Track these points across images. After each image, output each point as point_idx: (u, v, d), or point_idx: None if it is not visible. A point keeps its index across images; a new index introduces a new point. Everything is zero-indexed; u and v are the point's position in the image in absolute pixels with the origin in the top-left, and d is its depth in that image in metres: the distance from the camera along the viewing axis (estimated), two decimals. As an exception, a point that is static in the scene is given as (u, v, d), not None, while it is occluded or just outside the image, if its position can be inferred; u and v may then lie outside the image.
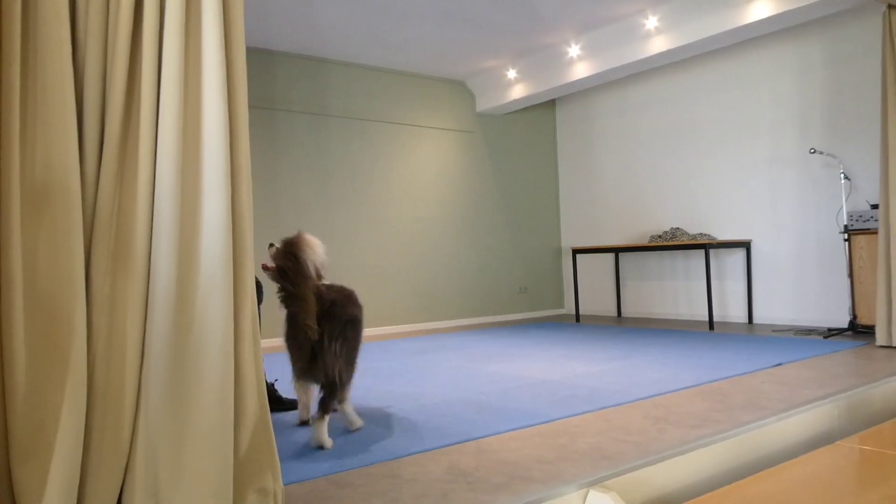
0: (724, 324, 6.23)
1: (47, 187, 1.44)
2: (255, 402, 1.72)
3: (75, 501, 1.41)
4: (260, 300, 3.12)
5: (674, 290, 6.91)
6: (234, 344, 1.66)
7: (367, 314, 6.67)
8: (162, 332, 1.50)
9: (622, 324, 6.62)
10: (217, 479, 1.51)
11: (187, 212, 1.58)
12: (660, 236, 6.63)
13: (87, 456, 1.44)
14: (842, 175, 5.25)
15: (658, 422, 2.70)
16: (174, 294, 1.52)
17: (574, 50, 6.28)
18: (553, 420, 2.80)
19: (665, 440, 2.43)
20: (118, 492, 1.48)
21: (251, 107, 6.04)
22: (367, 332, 6.61)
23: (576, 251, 7.12)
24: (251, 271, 1.74)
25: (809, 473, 2.30)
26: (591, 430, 2.61)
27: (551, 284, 8.12)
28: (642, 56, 5.82)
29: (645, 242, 6.83)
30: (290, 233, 6.15)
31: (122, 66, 1.54)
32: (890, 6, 4.40)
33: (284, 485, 2.10)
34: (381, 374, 4.18)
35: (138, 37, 1.58)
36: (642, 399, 3.14)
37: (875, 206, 4.96)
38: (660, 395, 3.22)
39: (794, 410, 2.80)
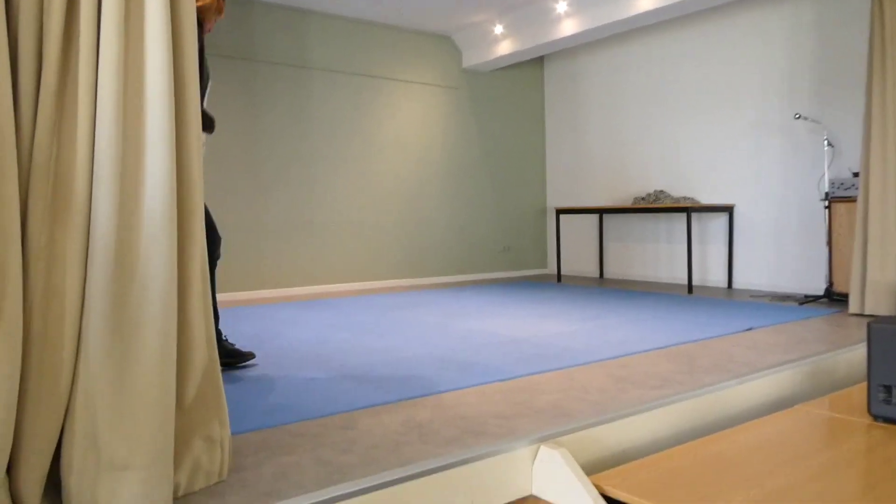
0: (704, 288, 6.26)
1: (-20, 130, 1.40)
2: (204, 352, 1.71)
3: (10, 445, 1.40)
4: (216, 254, 3.09)
5: (655, 252, 6.93)
6: (179, 296, 1.64)
7: (347, 269, 6.67)
8: (102, 282, 1.49)
9: (603, 285, 6.64)
10: (158, 425, 1.51)
11: (129, 161, 1.54)
12: (643, 198, 6.62)
13: (23, 403, 1.44)
14: (825, 141, 5.22)
15: (620, 381, 2.72)
16: (114, 245, 1.50)
17: (561, 6, 6.17)
18: (516, 377, 2.82)
19: (624, 399, 2.45)
20: (57, 437, 1.48)
21: (229, 58, 5.93)
22: (344, 286, 6.62)
23: (559, 211, 7.10)
24: (200, 222, 1.71)
25: (764, 436, 2.33)
26: (552, 388, 2.63)
27: (535, 244, 8.12)
28: (630, 14, 5.71)
29: (629, 204, 6.82)
30: (270, 188, 6.05)
31: (58, 9, 1.49)
32: (881, -31, 4.32)
33: (241, 433, 2.11)
34: (354, 328, 4.19)
35: (79, -25, 1.53)
36: (609, 359, 3.16)
37: (857, 174, 4.94)
38: (627, 355, 3.25)
39: (757, 374, 2.83)
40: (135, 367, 1.51)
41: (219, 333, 3.08)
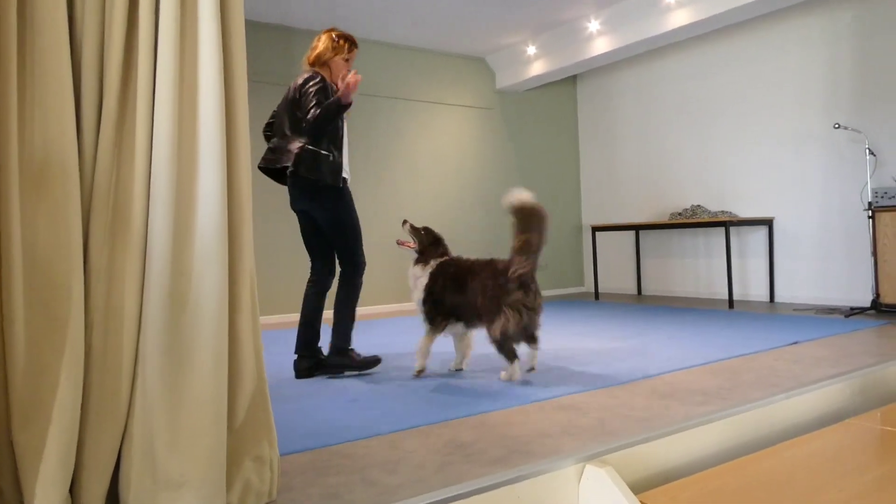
0: (745, 302, 6.16)
1: (46, 163, 1.47)
2: (253, 372, 1.75)
3: (73, 464, 1.45)
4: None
5: (694, 268, 6.85)
6: (230, 316, 1.69)
7: (385, 290, 6.72)
8: (158, 303, 1.54)
9: (642, 302, 6.58)
10: (211, 446, 1.55)
11: (183, 186, 1.60)
12: (680, 213, 6.56)
13: (84, 421, 1.49)
14: (867, 150, 5.13)
15: (664, 398, 2.70)
16: (170, 266, 1.55)
17: (594, 25, 6.19)
18: (560, 396, 2.81)
19: (668, 416, 2.43)
20: (116, 456, 1.53)
21: (269, 84, 6.06)
22: (381, 308, 6.67)
23: (595, 228, 7.07)
24: (249, 244, 1.76)
25: (813, 451, 2.29)
26: (596, 406, 2.62)
27: (571, 262, 8.09)
28: (663, 30, 5.72)
29: (665, 220, 6.77)
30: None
31: (118, 42, 1.56)
32: (919, -24, 4.27)
33: (287, 454, 2.14)
34: (393, 348, 4.22)
35: (135, 12, 1.60)
36: (651, 376, 3.14)
37: (901, 183, 4.85)
38: (669, 372, 3.21)
39: (805, 388, 2.78)
40: (189, 387, 1.55)
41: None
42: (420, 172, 6.97)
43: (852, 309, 5.11)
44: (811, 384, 2.82)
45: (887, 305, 4.87)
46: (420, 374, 3.35)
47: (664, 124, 7.06)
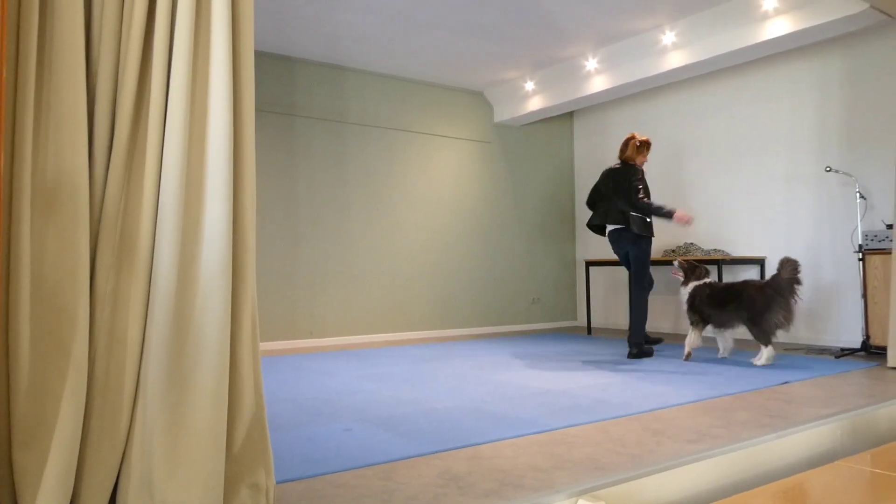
0: (736, 340, 6.18)
1: (57, 187, 1.50)
2: (252, 400, 1.77)
3: (72, 487, 1.46)
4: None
5: (687, 305, 6.87)
6: (231, 344, 1.71)
7: (378, 319, 6.73)
8: (161, 330, 1.56)
9: (634, 337, 6.59)
10: (209, 472, 1.56)
11: (190, 215, 1.63)
12: (673, 251, 6.62)
13: (84, 445, 1.50)
14: (857, 194, 5.22)
15: (656, 435, 2.71)
16: (174, 293, 1.58)
17: (592, 63, 6.31)
18: (551, 429, 2.82)
19: (661, 453, 2.44)
20: (114, 480, 1.54)
21: (271, 112, 6.14)
22: (375, 337, 6.67)
23: (589, 263, 7.12)
24: (252, 274, 1.79)
25: (804, 492, 2.30)
26: (588, 441, 2.63)
27: (565, 296, 8.12)
28: (659, 71, 5.83)
29: (659, 256, 6.82)
30: (305, 238, 6.14)
31: (132, 71, 1.61)
32: (909, 26, 4.38)
33: (281, 482, 2.15)
34: (387, 378, 4.23)
35: (149, 43, 1.65)
36: (643, 412, 3.15)
37: (890, 226, 4.92)
38: (661, 408, 3.23)
39: (796, 428, 2.80)
40: (188, 413, 1.57)
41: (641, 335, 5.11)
42: (417, 203, 7.03)
43: (842, 350, 5.14)
44: (802, 424, 2.84)
45: (877, 347, 4.91)
46: (688, 357, 4.87)
47: (657, 162, 7.15)
